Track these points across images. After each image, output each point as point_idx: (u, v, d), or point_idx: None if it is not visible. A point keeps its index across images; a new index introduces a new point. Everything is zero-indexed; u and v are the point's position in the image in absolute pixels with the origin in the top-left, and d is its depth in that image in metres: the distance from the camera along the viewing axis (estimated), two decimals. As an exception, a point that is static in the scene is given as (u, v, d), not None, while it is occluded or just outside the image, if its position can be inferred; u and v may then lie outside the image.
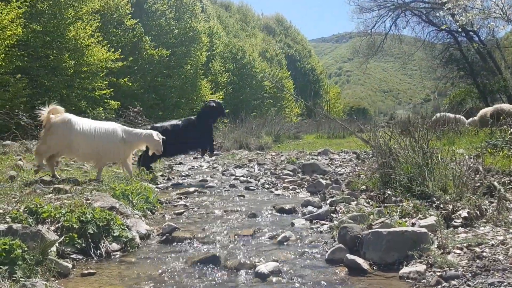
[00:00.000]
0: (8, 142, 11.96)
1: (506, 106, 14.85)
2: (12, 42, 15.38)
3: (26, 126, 13.97)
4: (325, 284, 3.26)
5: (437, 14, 22.32)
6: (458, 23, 17.30)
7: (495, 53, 31.18)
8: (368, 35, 35.76)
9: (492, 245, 3.56)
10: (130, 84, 22.82)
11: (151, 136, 7.88)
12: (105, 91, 20.18)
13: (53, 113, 7.20)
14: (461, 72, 34.58)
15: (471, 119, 16.45)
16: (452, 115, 15.69)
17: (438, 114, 14.98)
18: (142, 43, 25.72)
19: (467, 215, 4.32)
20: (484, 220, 4.26)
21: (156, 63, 26.64)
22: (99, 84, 20.06)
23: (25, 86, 16.00)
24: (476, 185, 5.21)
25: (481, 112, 15.48)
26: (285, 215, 5.67)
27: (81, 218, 4.16)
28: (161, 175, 9.53)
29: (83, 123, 7.35)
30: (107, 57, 20.25)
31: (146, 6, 27.66)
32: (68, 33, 18.48)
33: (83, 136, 7.21)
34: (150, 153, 8.36)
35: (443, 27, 25.79)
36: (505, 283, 2.87)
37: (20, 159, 8.86)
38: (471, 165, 6.03)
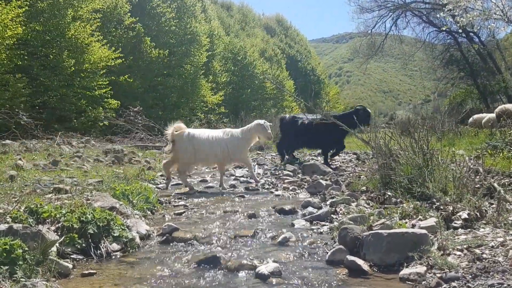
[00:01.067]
0: (8, 141, 11.96)
1: None
2: (12, 41, 15.38)
3: (26, 126, 13.98)
4: (326, 285, 3.26)
5: (438, 15, 22.29)
6: (458, 24, 17.29)
7: (495, 54, 31.18)
8: (369, 36, 35.71)
9: (492, 246, 3.56)
10: (131, 80, 22.77)
11: (259, 125, 8.22)
12: (104, 90, 20.17)
13: (176, 130, 7.96)
14: (461, 73, 34.56)
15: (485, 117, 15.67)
16: None
17: (501, 107, 14.36)
18: (142, 43, 25.71)
19: (467, 217, 4.32)
20: (484, 222, 4.27)
21: (156, 63, 26.63)
22: (99, 83, 20.07)
23: (25, 85, 16.00)
24: (476, 186, 5.22)
25: (498, 109, 14.76)
26: (285, 215, 5.68)
27: (82, 218, 4.16)
28: (161, 175, 9.52)
29: (201, 133, 8.16)
30: (107, 56, 20.25)
31: (148, 7, 27.63)
32: (68, 32, 18.48)
33: (205, 144, 7.94)
34: (262, 141, 8.90)
35: (444, 28, 25.77)
36: (505, 285, 2.87)
37: (20, 159, 8.85)
38: (471, 166, 6.04)
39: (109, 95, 20.55)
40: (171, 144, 8.09)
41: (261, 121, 8.31)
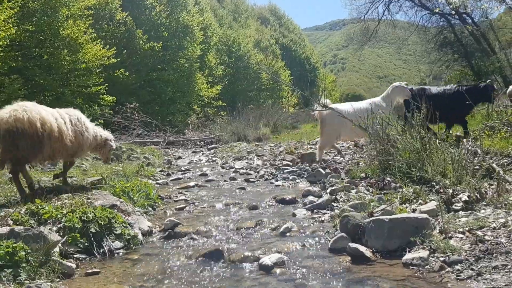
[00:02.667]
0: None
1: None
2: (5, 42, 15.28)
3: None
4: (329, 273, 3.28)
5: (430, -2, 22.20)
6: (451, 6, 17.23)
7: (489, 35, 31.06)
8: (362, 22, 35.51)
9: (494, 228, 3.57)
10: (127, 74, 22.66)
11: (397, 87, 8.45)
12: (99, 87, 20.10)
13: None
14: (455, 55, 34.42)
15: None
16: None
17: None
18: (134, 37, 25.57)
19: (467, 199, 4.33)
20: (485, 203, 4.28)
21: (150, 57, 26.51)
22: (94, 80, 19.99)
23: (21, 86, 15.92)
24: (475, 168, 5.22)
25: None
26: (286, 205, 5.69)
27: (83, 218, 4.16)
28: (161, 171, 9.53)
29: (347, 108, 8.34)
30: (102, 54, 20.15)
31: (137, 1, 27.44)
32: (63, 32, 18.37)
33: (354, 117, 7.75)
34: (401, 100, 8.77)
35: (436, 11, 25.66)
36: (509, 266, 2.88)
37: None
38: (470, 148, 6.04)
39: (104, 91, 20.48)
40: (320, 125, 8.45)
41: (396, 84, 8.51)
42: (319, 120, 8.66)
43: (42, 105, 6.07)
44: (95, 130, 6.98)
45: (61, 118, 6.10)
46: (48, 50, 18.54)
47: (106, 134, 7.24)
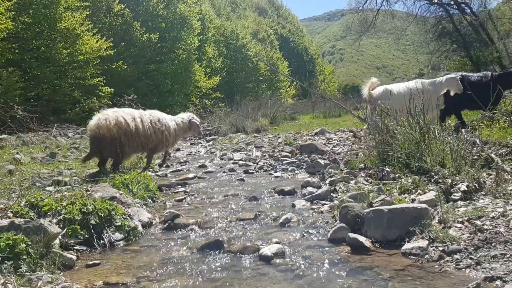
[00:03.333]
0: (4, 136, 11.91)
1: None
2: (2, 35, 15.23)
3: (21, 119, 13.92)
4: (329, 263, 3.29)
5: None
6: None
7: (488, 25, 31.01)
8: (360, 12, 35.42)
9: (493, 217, 3.58)
10: (125, 66, 22.60)
11: (452, 79, 8.46)
12: (97, 79, 20.06)
13: (372, 88, 8.25)
14: (454, 45, 34.38)
15: None
16: None
17: None
18: (132, 29, 25.48)
19: (466, 189, 4.34)
20: (483, 193, 4.30)
21: (147, 49, 26.44)
22: (92, 72, 19.94)
23: (18, 78, 15.89)
24: (474, 158, 5.23)
25: None
26: (285, 196, 5.70)
27: (83, 210, 4.17)
28: (159, 163, 9.52)
29: (399, 88, 8.46)
30: (99, 46, 20.09)
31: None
32: (60, 24, 18.30)
33: (404, 98, 7.71)
34: (452, 93, 8.76)
35: (435, 0, 25.57)
36: (507, 255, 2.90)
37: (17, 153, 8.83)
38: (468, 138, 6.05)
39: (102, 83, 20.44)
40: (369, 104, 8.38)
41: (452, 75, 8.57)
42: (371, 100, 8.54)
43: (125, 108, 7.93)
44: (176, 122, 8.50)
45: (139, 118, 7.51)
46: (45, 42, 18.48)
47: (186, 116, 8.81)
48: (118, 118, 7.06)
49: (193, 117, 8.79)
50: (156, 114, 8.14)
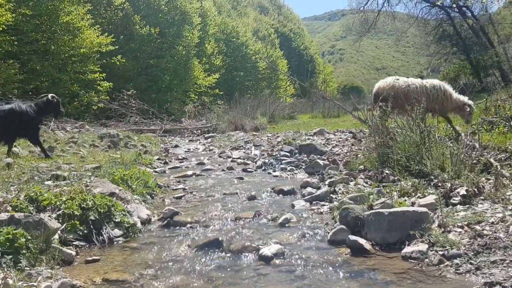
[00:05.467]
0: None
1: None
2: (1, 27, 15.17)
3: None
4: (329, 265, 3.30)
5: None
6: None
7: (488, 29, 31.04)
8: (361, 12, 35.38)
9: (492, 222, 3.59)
10: (124, 60, 22.52)
11: None
12: (96, 75, 20.02)
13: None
14: (454, 48, 34.44)
15: None
16: None
17: None
18: (132, 23, 25.41)
19: (465, 193, 4.36)
20: (482, 197, 4.31)
21: (147, 44, 26.38)
22: (91, 67, 19.89)
23: (17, 71, 15.83)
24: (473, 162, 5.24)
25: None
26: (284, 196, 5.70)
27: (82, 205, 4.16)
28: (158, 159, 9.52)
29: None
30: (99, 41, 20.03)
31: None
32: (63, 18, 18.24)
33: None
34: None
35: (437, 3, 25.58)
36: (507, 261, 2.90)
37: (15, 146, 8.79)
38: (468, 142, 6.06)
39: (101, 78, 20.40)
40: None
41: None
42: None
43: (412, 78, 8.86)
44: (458, 97, 8.70)
45: (414, 85, 8.32)
46: (44, 35, 18.41)
47: (464, 99, 8.78)
48: (396, 83, 8.02)
49: (471, 104, 8.77)
50: (438, 84, 8.49)
